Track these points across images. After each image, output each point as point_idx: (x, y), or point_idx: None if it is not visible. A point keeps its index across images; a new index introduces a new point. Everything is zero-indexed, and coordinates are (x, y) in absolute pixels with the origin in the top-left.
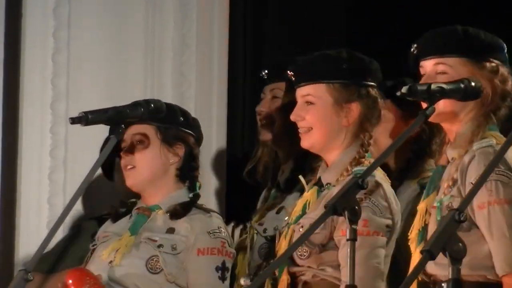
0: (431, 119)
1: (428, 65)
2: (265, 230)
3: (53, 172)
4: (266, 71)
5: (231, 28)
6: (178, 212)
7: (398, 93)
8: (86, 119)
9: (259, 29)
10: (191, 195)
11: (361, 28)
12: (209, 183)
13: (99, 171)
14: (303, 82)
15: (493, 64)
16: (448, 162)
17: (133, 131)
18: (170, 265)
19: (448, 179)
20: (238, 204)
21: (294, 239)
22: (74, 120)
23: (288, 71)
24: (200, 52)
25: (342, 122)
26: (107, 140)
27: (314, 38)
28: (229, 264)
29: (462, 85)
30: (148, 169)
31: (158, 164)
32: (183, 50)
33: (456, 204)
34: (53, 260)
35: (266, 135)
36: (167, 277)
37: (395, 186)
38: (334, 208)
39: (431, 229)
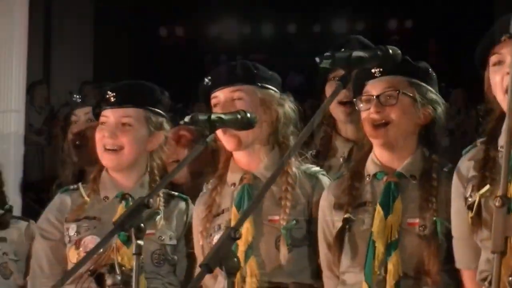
0: (231, 149)
1: (224, 93)
2: None
3: None
4: (79, 96)
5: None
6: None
7: (182, 122)
8: None
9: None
10: (7, 207)
11: None
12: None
13: None
14: (124, 104)
15: (274, 92)
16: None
17: None
18: (16, 271)
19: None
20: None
21: None
22: None
23: (109, 92)
24: None
25: (147, 148)
26: None
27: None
28: None
29: (239, 116)
30: None
31: None
32: None
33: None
34: None
35: (77, 156)
36: (17, 281)
37: None
38: (122, 225)
39: None
